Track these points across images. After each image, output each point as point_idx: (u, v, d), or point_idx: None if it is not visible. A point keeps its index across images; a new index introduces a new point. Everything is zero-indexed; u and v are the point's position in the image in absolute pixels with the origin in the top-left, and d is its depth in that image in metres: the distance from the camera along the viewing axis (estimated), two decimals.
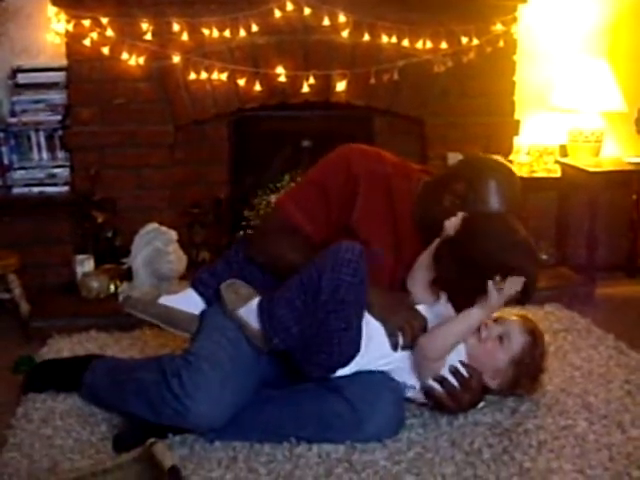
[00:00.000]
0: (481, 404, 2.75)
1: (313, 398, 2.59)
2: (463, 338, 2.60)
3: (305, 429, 2.55)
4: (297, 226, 2.73)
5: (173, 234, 3.78)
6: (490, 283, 2.45)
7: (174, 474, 1.93)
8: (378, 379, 2.62)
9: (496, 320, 2.72)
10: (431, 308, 2.69)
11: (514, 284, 2.48)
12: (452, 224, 2.57)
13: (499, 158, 2.90)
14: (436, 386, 2.64)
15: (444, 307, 2.69)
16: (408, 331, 2.58)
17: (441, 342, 2.57)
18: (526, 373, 2.75)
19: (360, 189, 2.72)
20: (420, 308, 2.68)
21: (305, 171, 4.08)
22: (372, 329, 2.59)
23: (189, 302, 2.89)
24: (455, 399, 2.66)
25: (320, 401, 2.59)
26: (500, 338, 2.67)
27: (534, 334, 2.75)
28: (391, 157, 2.87)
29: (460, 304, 2.61)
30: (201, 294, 2.89)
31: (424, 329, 2.61)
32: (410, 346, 2.59)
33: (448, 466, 2.44)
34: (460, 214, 2.58)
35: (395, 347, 2.59)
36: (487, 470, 2.42)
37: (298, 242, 2.71)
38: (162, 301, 2.88)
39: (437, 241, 2.61)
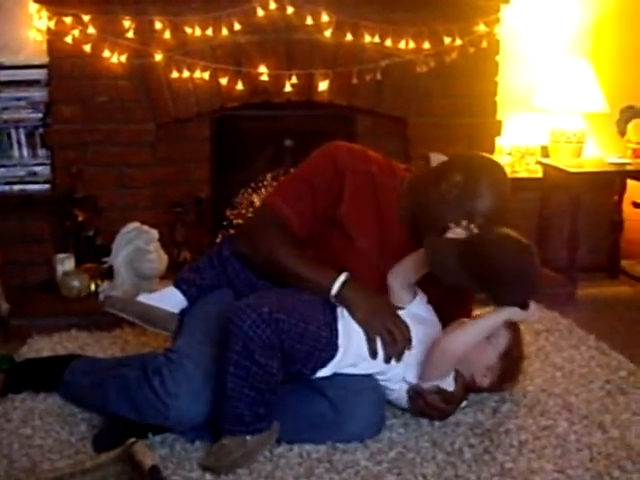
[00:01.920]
0: (464, 403, 2.75)
1: (294, 398, 2.58)
2: (481, 338, 2.62)
3: (286, 429, 2.54)
4: (285, 221, 2.71)
5: (154, 233, 3.77)
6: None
7: (155, 474, 1.91)
8: (360, 380, 2.61)
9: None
10: (408, 311, 2.69)
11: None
12: (457, 234, 2.59)
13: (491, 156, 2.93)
14: (424, 392, 2.65)
15: (419, 308, 2.71)
16: (388, 340, 2.57)
17: (464, 343, 2.58)
18: (513, 364, 2.77)
19: (346, 185, 2.72)
20: (400, 314, 2.68)
21: (287, 170, 4.13)
22: (352, 330, 2.59)
23: (169, 300, 2.87)
24: (437, 409, 2.67)
25: (301, 401, 2.58)
26: (487, 337, 2.67)
27: (512, 326, 2.77)
28: (376, 155, 2.87)
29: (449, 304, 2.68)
30: (184, 292, 2.87)
31: (408, 339, 2.60)
32: (389, 359, 2.59)
33: (429, 466, 2.44)
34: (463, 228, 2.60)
35: (374, 355, 2.58)
36: (468, 470, 2.42)
37: (286, 236, 2.70)
38: (141, 299, 2.87)
39: (429, 242, 2.60)
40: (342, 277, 2.60)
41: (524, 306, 2.60)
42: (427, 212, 2.68)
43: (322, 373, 2.56)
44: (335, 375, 2.58)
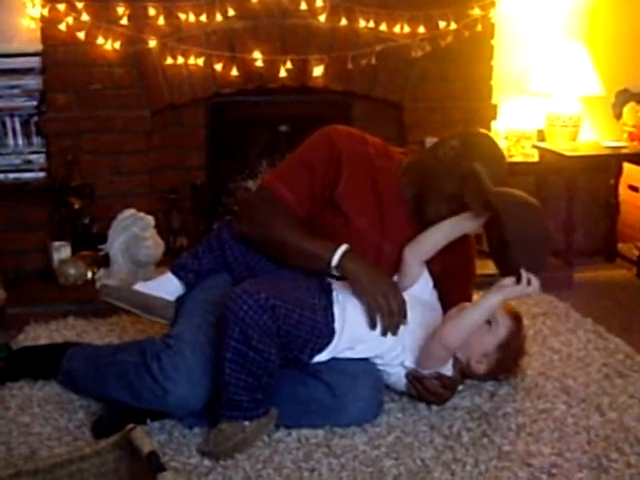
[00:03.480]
0: (460, 387, 2.75)
1: (292, 383, 2.58)
2: (480, 324, 2.62)
3: (284, 414, 2.54)
4: (283, 202, 2.72)
5: (150, 220, 3.77)
6: (522, 271, 2.48)
7: (153, 460, 1.90)
8: (357, 364, 2.62)
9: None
10: (410, 292, 2.70)
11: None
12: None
13: None
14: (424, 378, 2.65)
15: (423, 289, 2.76)
16: (385, 311, 2.57)
17: (462, 331, 2.57)
18: (512, 357, 2.77)
19: (343, 166, 2.74)
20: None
21: (283, 156, 4.10)
22: (348, 313, 2.59)
23: (165, 288, 2.88)
24: (436, 395, 2.68)
25: (299, 386, 2.58)
26: (488, 322, 2.67)
27: (517, 317, 2.77)
28: (373, 139, 2.89)
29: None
30: (181, 278, 2.88)
31: (404, 313, 2.60)
32: (385, 331, 2.59)
33: (427, 450, 2.45)
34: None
35: (373, 326, 2.58)
36: (466, 454, 2.43)
37: (284, 213, 2.71)
38: (137, 287, 2.88)
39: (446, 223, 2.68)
40: (342, 248, 2.60)
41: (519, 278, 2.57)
42: (428, 182, 2.71)
43: (319, 358, 2.57)
44: (332, 359, 2.58)
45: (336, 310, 2.58)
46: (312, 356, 2.56)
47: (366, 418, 2.60)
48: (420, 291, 2.74)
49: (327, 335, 2.55)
